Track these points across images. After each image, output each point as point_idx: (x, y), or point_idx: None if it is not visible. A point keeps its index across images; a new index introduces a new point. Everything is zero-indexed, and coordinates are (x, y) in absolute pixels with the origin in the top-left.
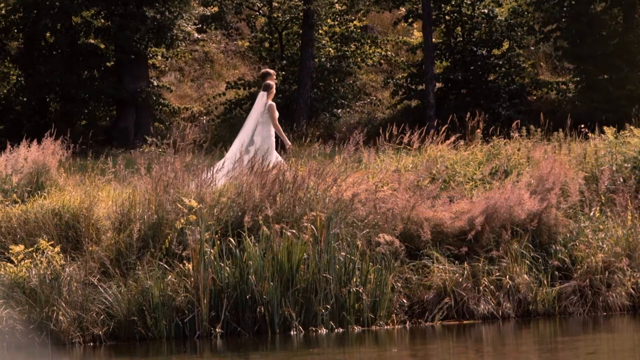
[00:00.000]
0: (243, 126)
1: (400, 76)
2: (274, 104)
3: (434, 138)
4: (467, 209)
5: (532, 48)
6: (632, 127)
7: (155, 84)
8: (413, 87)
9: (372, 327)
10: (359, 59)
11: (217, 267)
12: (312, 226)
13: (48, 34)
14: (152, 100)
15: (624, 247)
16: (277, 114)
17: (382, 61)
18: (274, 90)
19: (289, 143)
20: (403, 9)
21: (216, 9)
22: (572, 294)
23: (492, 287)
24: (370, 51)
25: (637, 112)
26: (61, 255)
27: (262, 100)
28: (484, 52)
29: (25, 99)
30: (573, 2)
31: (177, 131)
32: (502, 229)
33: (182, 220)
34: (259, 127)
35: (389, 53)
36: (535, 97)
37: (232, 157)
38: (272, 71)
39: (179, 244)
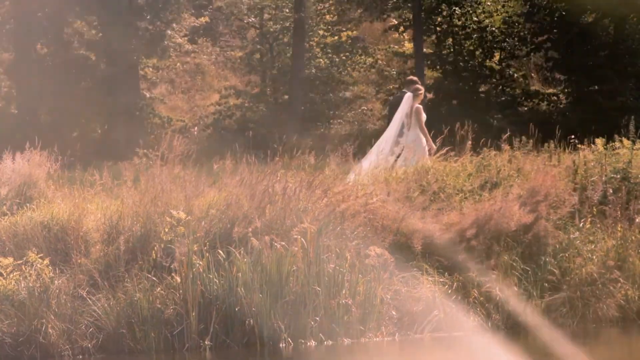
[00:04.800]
0: (389, 126)
1: (391, 87)
2: (420, 107)
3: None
4: (457, 220)
5: (524, 59)
6: (621, 138)
7: (147, 95)
8: None
9: (361, 339)
10: (349, 69)
11: (205, 279)
12: (301, 238)
13: (39, 45)
14: (144, 112)
15: (615, 259)
16: (424, 117)
17: (372, 69)
18: (421, 94)
19: (434, 146)
20: (394, 20)
21: (207, 19)
22: (562, 305)
23: (481, 298)
24: (362, 60)
25: (627, 123)
26: (50, 267)
27: (409, 102)
28: (475, 62)
29: (16, 111)
30: (564, 13)
31: (166, 143)
32: (492, 241)
33: (166, 229)
34: (406, 129)
35: (380, 61)
36: (526, 108)
37: (376, 152)
38: (417, 79)
39: (167, 256)
